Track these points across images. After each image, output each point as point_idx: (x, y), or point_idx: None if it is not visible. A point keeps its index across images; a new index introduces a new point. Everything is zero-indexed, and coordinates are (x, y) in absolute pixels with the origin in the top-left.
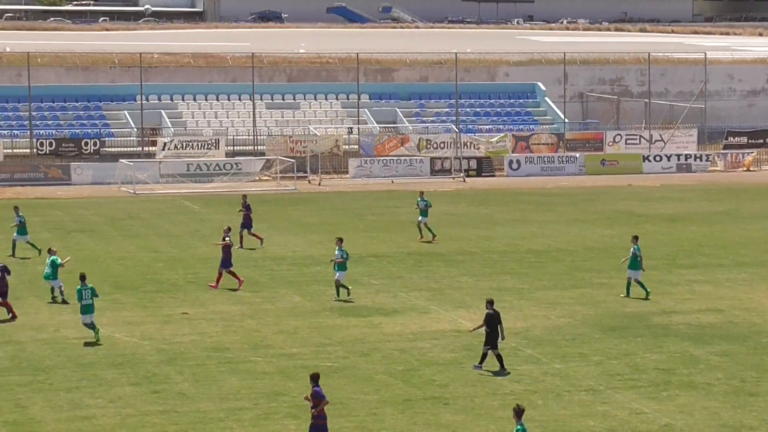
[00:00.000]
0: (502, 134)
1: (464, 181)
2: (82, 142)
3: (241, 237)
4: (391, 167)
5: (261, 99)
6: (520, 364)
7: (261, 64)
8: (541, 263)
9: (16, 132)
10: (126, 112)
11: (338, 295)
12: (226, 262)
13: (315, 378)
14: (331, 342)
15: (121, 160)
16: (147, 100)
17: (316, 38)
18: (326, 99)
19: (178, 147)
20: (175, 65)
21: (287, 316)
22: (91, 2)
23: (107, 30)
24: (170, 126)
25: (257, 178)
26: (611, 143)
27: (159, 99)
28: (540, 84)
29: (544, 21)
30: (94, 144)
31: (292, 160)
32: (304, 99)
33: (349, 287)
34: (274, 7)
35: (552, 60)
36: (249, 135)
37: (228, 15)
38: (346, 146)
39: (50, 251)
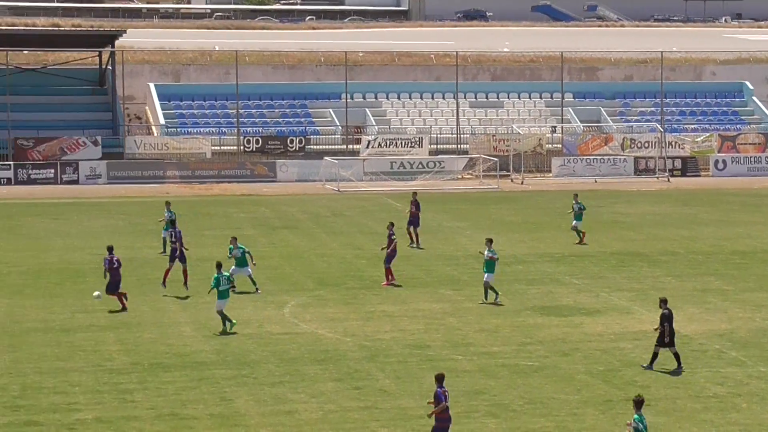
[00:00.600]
0: (707, 134)
1: (668, 180)
2: (288, 140)
3: (410, 234)
4: (594, 166)
5: (464, 97)
6: (724, 366)
7: (465, 63)
8: (746, 265)
9: (223, 129)
10: (331, 110)
11: (486, 297)
12: (390, 259)
13: (439, 379)
14: (531, 341)
15: (325, 158)
16: (352, 98)
17: (520, 37)
18: (530, 98)
19: (382, 145)
20: (380, 64)
21: (488, 315)
22: (298, 1)
23: (313, 29)
24: (374, 124)
25: (460, 177)
26: None
27: (363, 97)
28: (748, 83)
29: (752, 19)
30: (300, 142)
31: (495, 159)
32: (508, 98)
33: (498, 292)
34: (478, 5)
35: (760, 59)
36: (452, 133)
37: (433, 14)
38: (549, 145)
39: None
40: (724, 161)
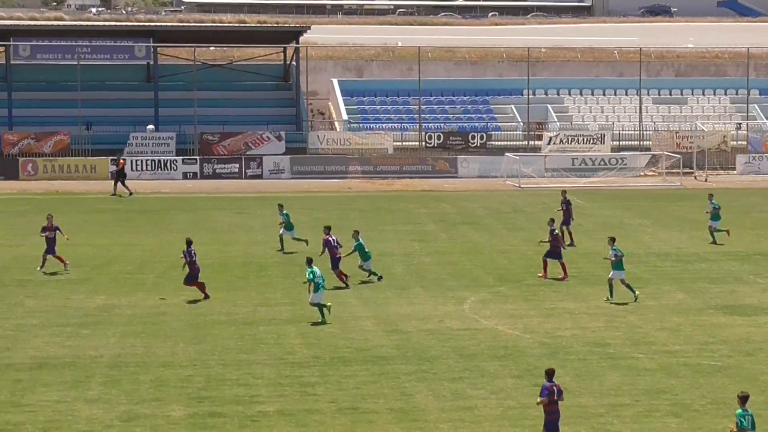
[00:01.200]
0: None
1: None
2: (469, 136)
3: (564, 233)
4: None
5: (648, 94)
6: None
7: (648, 59)
8: None
9: (405, 125)
10: (513, 106)
11: (611, 295)
12: (553, 253)
13: (547, 373)
14: (714, 340)
15: (506, 154)
16: (534, 94)
17: (704, 32)
18: (714, 94)
19: (564, 141)
20: (562, 60)
21: (670, 313)
22: None
23: (496, 24)
24: (556, 120)
25: (642, 174)
26: None
27: (545, 93)
28: None
29: None
30: (481, 137)
31: (678, 156)
32: (692, 94)
33: (636, 291)
34: (663, 1)
35: None
36: (635, 130)
37: (616, 9)
38: (734, 142)
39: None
40: None
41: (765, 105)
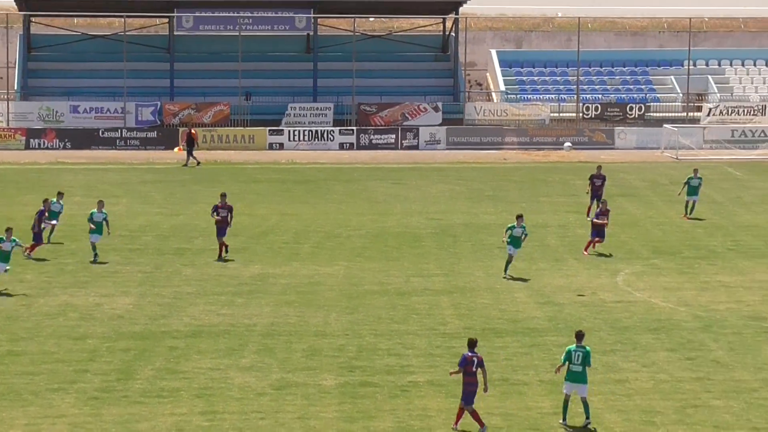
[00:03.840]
0: None
1: None
2: (627, 107)
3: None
4: None
5: None
6: None
7: None
8: None
9: (563, 96)
10: (672, 77)
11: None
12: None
13: (469, 343)
14: None
15: (665, 125)
16: (694, 65)
17: None
18: None
19: (724, 113)
20: (725, 30)
21: None
22: None
23: None
24: (716, 91)
25: None
26: None
27: (706, 64)
28: None
29: None
30: (639, 109)
31: None
32: None
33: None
34: None
35: None
36: None
37: None
38: None
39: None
40: None
41: None
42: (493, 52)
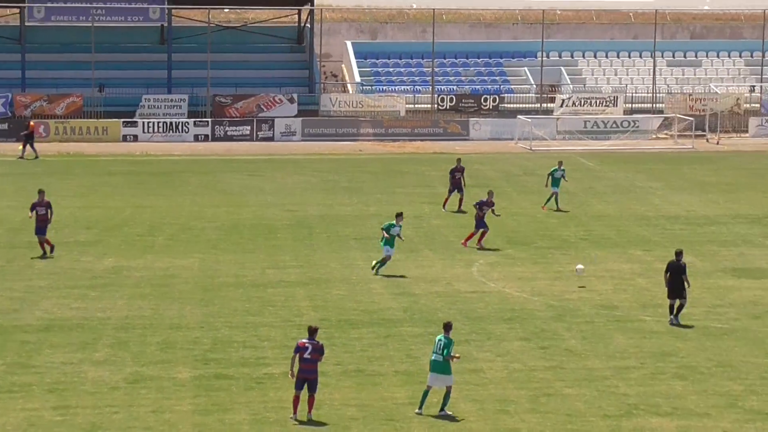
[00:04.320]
0: None
1: None
2: (482, 98)
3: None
4: None
5: (662, 56)
6: None
7: (664, 21)
8: None
9: (418, 88)
10: (526, 68)
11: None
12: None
13: (309, 331)
14: (722, 303)
15: (519, 116)
16: (547, 56)
17: None
18: (729, 56)
19: (576, 104)
20: (577, 22)
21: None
22: None
23: None
24: (569, 83)
25: (654, 137)
26: None
27: (559, 56)
28: None
29: None
30: (493, 100)
31: (691, 119)
32: (707, 56)
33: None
34: None
35: None
36: (648, 93)
37: None
38: (747, 105)
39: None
40: None
41: None
42: (349, 43)
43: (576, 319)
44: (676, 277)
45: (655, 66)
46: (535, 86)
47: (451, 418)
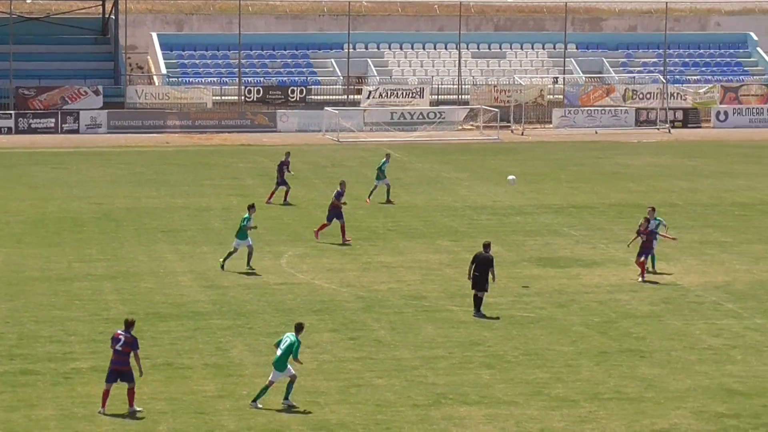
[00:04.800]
0: (710, 85)
1: (669, 132)
2: (289, 90)
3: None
4: (595, 117)
5: (467, 48)
6: (720, 318)
7: (468, 13)
8: (746, 216)
9: (225, 79)
10: (333, 60)
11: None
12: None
13: (127, 324)
14: (528, 292)
15: (326, 108)
16: (354, 48)
17: None
18: (532, 48)
19: (383, 95)
20: (383, 14)
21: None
22: None
23: None
24: (376, 75)
25: (460, 128)
26: None
27: (366, 48)
28: (752, 34)
29: None
30: (301, 92)
31: (496, 110)
32: (510, 48)
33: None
34: None
35: (766, 9)
36: (454, 84)
37: None
38: (551, 96)
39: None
40: (725, 113)
41: (582, 59)
42: (154, 35)
43: (385, 309)
44: (482, 269)
45: (460, 58)
46: (341, 78)
47: (292, 407)
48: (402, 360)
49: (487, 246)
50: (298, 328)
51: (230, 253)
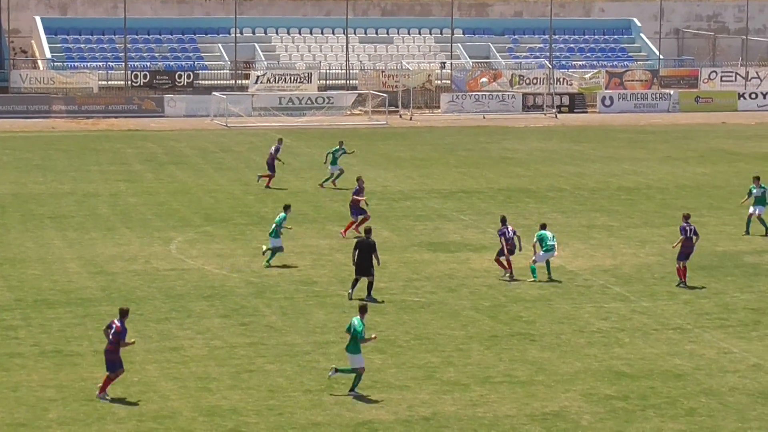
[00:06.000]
0: (595, 70)
1: (556, 117)
2: (176, 75)
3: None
4: (482, 103)
5: (355, 33)
6: (608, 301)
7: None
8: (632, 201)
9: (111, 64)
10: (220, 45)
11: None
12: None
13: (121, 313)
14: (419, 277)
15: (214, 93)
16: (241, 33)
17: None
18: (420, 34)
19: (271, 80)
20: None
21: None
22: None
23: None
24: (263, 59)
25: (349, 113)
26: (706, 80)
27: (253, 32)
28: (636, 20)
29: None
30: (188, 77)
31: (384, 95)
32: (398, 33)
33: None
34: None
35: None
36: (342, 69)
37: None
38: (439, 81)
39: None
40: (611, 98)
41: (469, 44)
42: (38, 18)
43: (276, 295)
44: (365, 255)
45: (348, 43)
46: (229, 63)
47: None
48: (294, 345)
49: (368, 231)
50: (362, 310)
51: (270, 251)
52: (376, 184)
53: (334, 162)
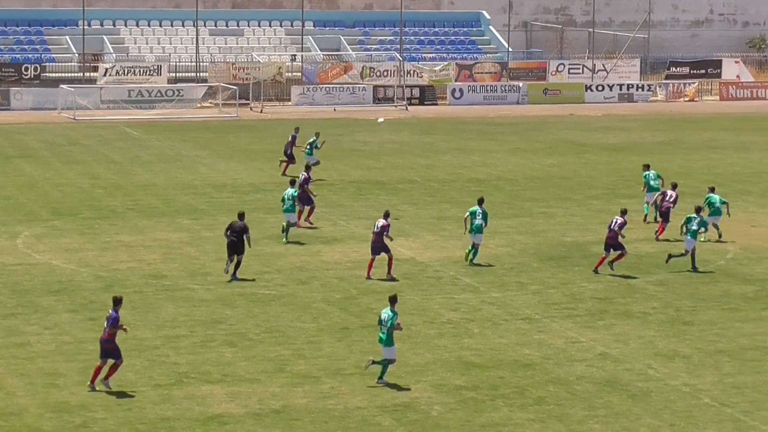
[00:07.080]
0: (445, 63)
1: (407, 109)
2: (22, 67)
3: None
4: (333, 95)
5: (205, 25)
6: (458, 292)
7: None
8: (482, 192)
9: None
10: (68, 37)
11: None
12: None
13: (114, 301)
14: (270, 270)
15: (61, 86)
16: (89, 25)
17: None
18: (270, 26)
19: (120, 73)
20: None
21: (225, 244)
22: None
23: None
24: (112, 52)
25: (199, 105)
26: (554, 73)
27: (101, 24)
28: (485, 13)
29: None
30: (35, 69)
31: (235, 88)
32: (248, 26)
33: None
34: None
35: None
36: (192, 62)
37: None
38: (289, 74)
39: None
40: (461, 90)
41: (319, 37)
42: None
43: (125, 289)
44: (238, 236)
45: (198, 35)
46: (77, 55)
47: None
48: (143, 340)
49: (241, 215)
50: (392, 300)
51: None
52: (227, 176)
53: (309, 152)
